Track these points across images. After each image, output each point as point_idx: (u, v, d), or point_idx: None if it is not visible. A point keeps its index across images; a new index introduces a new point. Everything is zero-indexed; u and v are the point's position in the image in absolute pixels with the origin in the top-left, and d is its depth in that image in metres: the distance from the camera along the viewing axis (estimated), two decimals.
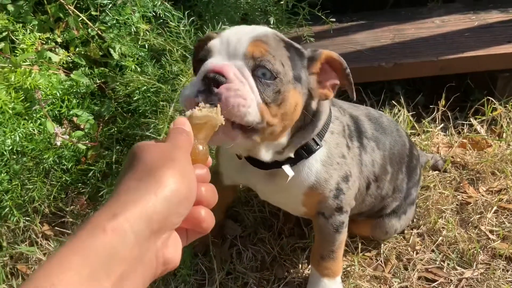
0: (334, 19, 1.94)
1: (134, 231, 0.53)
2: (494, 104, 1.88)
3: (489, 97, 1.89)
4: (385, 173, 1.28)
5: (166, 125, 1.37)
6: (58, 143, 1.43)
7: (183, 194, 0.58)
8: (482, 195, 1.63)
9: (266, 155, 1.04)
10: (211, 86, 0.85)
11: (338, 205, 1.16)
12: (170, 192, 0.57)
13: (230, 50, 0.90)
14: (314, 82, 0.99)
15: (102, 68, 1.71)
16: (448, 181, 1.68)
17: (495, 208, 1.57)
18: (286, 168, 1.07)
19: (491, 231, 1.51)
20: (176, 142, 0.65)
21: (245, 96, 0.86)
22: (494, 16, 2.15)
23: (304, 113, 1.00)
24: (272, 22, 1.86)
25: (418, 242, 1.49)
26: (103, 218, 0.52)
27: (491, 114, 1.87)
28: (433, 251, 1.46)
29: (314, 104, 1.03)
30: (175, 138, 0.66)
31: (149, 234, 0.54)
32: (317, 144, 1.07)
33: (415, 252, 1.46)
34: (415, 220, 1.55)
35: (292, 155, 1.07)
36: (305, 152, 1.07)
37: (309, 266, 1.42)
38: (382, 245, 1.47)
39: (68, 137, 1.45)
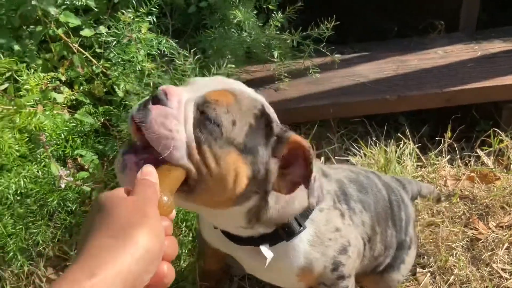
0: (336, 51, 1.94)
1: None
2: (501, 135, 1.87)
3: (495, 129, 1.88)
4: (375, 233, 1.23)
5: None
6: (63, 186, 1.41)
7: (156, 253, 0.60)
8: (493, 231, 1.61)
9: (230, 227, 0.99)
10: (149, 101, 0.80)
11: (339, 275, 1.10)
12: (145, 252, 0.58)
13: (198, 88, 0.85)
14: (274, 166, 0.88)
15: (107, 106, 1.70)
16: (457, 216, 1.66)
17: (506, 244, 1.54)
18: (264, 249, 0.98)
19: (503, 269, 1.49)
20: (145, 195, 0.65)
21: (174, 127, 0.79)
22: (496, 46, 2.15)
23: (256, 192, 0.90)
24: (276, 56, 1.87)
25: (429, 283, 1.46)
26: (80, 276, 0.54)
27: (497, 146, 1.86)
28: None
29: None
30: (144, 191, 0.66)
31: None
32: (300, 226, 0.99)
33: None
34: (425, 257, 1.53)
35: (262, 231, 0.98)
36: (286, 233, 0.98)
37: None
38: None
39: (72, 179, 1.43)
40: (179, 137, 0.79)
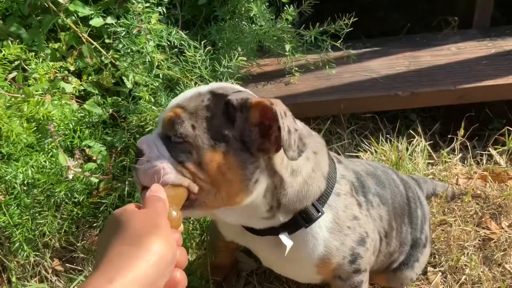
0: (350, 47, 1.91)
1: None
2: None
3: (509, 127, 1.85)
4: (391, 229, 1.21)
5: None
6: (70, 177, 1.39)
7: (169, 259, 0.65)
8: (505, 231, 1.58)
9: (254, 221, 0.99)
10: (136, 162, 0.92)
11: (356, 269, 1.09)
12: (159, 257, 0.63)
13: (160, 122, 0.94)
14: (255, 135, 0.89)
15: (115, 97, 1.68)
16: (469, 215, 1.63)
17: None
18: (283, 237, 0.99)
19: None
20: (156, 209, 0.72)
21: (155, 162, 0.88)
22: (511, 43, 2.11)
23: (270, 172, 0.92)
24: (287, 50, 1.84)
25: (440, 282, 1.43)
26: (102, 281, 0.58)
27: (511, 145, 1.83)
28: None
29: (278, 161, 0.93)
30: (154, 205, 0.73)
31: None
32: (318, 211, 0.98)
33: None
34: (437, 256, 1.50)
35: (282, 219, 0.99)
36: (304, 220, 0.98)
37: None
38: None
39: (80, 170, 1.42)
40: (163, 165, 0.88)
